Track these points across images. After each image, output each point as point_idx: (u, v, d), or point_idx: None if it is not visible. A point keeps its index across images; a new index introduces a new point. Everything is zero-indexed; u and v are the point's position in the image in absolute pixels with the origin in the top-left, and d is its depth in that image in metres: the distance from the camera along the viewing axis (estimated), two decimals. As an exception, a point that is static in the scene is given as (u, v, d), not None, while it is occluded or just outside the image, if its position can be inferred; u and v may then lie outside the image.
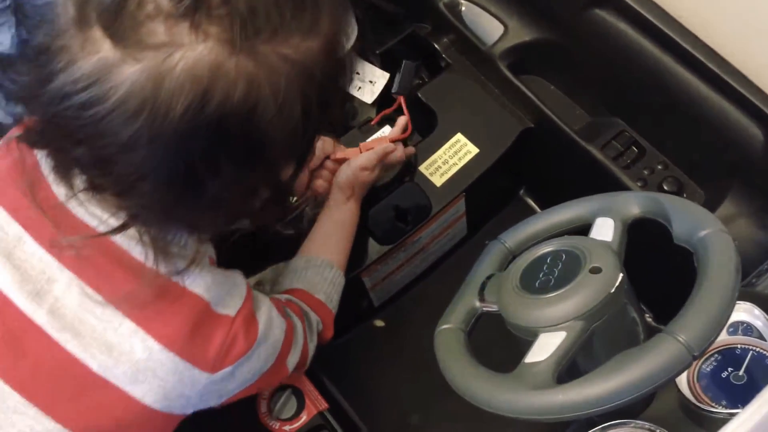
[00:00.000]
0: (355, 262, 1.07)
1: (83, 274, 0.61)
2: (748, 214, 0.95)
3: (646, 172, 1.05)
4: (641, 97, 1.05)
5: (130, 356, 0.61)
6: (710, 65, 0.92)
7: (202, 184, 0.54)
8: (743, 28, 0.90)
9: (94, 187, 0.58)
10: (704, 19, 0.92)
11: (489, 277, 0.79)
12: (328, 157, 1.02)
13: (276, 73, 0.53)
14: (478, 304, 0.78)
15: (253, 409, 0.96)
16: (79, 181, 0.58)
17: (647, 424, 0.70)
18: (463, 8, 1.21)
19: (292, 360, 0.79)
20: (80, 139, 0.53)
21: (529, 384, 0.63)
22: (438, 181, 1.11)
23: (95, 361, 0.61)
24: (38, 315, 0.61)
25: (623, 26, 1.00)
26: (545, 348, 0.66)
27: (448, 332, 0.76)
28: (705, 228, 0.68)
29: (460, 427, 1.12)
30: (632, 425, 0.70)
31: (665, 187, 1.03)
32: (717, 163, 0.99)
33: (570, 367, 0.66)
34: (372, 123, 1.17)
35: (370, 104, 1.25)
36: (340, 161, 1.02)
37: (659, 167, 1.05)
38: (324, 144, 1.02)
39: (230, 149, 0.53)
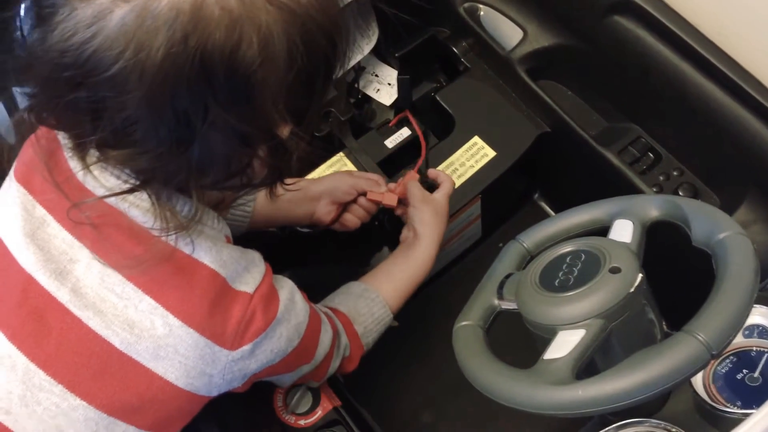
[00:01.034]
0: (370, 265, 1.09)
1: (102, 252, 0.63)
2: (763, 221, 0.96)
3: (661, 178, 1.06)
4: (658, 104, 1.06)
5: (152, 333, 0.63)
6: (728, 72, 0.93)
7: (191, 129, 0.55)
8: (761, 36, 0.91)
9: (99, 148, 0.59)
10: (722, 27, 0.94)
11: (507, 276, 0.80)
12: (364, 195, 1.02)
13: (260, 14, 0.54)
14: (496, 301, 0.79)
15: (269, 403, 0.97)
16: (91, 154, 0.60)
17: (663, 423, 0.71)
18: (482, 13, 1.22)
19: (320, 352, 0.80)
20: (78, 83, 0.54)
21: (549, 379, 0.64)
22: (455, 182, 1.12)
23: (118, 338, 0.62)
24: (61, 293, 0.63)
25: (642, 33, 1.01)
26: (564, 345, 0.67)
27: (467, 329, 0.77)
28: (724, 231, 0.69)
29: (472, 426, 1.13)
30: (648, 424, 0.71)
31: (681, 193, 1.04)
32: (733, 169, 1.00)
33: (587, 366, 0.67)
34: (390, 125, 1.18)
35: (388, 106, 1.26)
36: (376, 202, 1.02)
37: (675, 173, 1.06)
38: (359, 181, 1.02)
39: (215, 91, 0.54)
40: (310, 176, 1.13)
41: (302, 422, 0.95)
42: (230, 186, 0.64)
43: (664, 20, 0.97)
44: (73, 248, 0.63)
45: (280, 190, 0.71)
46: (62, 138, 0.64)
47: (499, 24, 1.20)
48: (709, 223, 0.71)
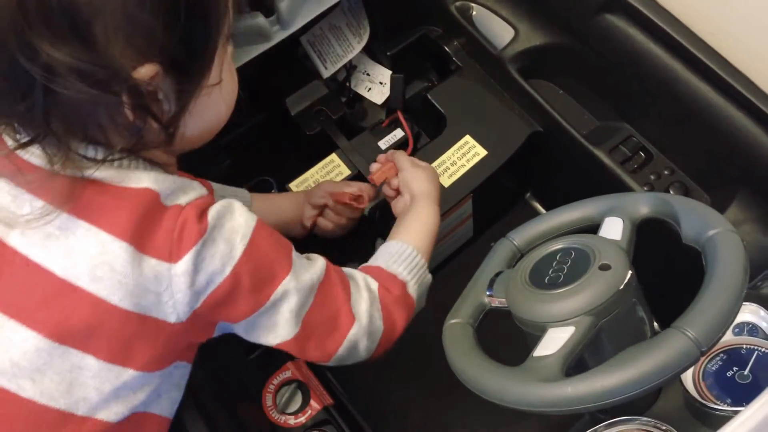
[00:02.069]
0: (361, 260, 1.08)
1: (38, 192, 0.63)
2: (753, 220, 0.96)
3: (652, 177, 1.06)
4: (649, 103, 1.06)
5: (86, 253, 0.62)
6: (719, 72, 0.93)
7: (28, 77, 0.54)
8: (753, 36, 0.91)
9: None
10: (714, 25, 0.94)
11: (498, 274, 0.80)
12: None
13: None
14: (486, 299, 0.78)
15: (259, 403, 0.96)
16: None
17: (653, 421, 0.70)
18: (475, 12, 1.22)
19: (305, 276, 0.73)
20: None
21: (538, 377, 0.64)
22: (446, 182, 1.12)
23: (57, 265, 0.63)
24: (12, 238, 0.64)
25: (633, 32, 1.01)
26: (554, 342, 0.66)
27: (457, 327, 0.77)
28: (714, 228, 0.69)
29: (462, 426, 1.12)
30: (638, 422, 0.71)
31: (672, 192, 1.04)
32: (724, 169, 1.00)
33: (578, 364, 0.67)
34: (383, 125, 1.18)
35: (380, 105, 1.26)
36: (341, 203, 1.02)
37: (666, 172, 1.06)
38: (333, 186, 1.03)
39: (38, 29, 0.52)
40: (302, 177, 1.13)
41: (292, 421, 0.95)
42: (117, 140, 0.62)
43: (655, 19, 0.97)
44: (17, 198, 0.64)
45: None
46: None
47: (490, 23, 1.20)
48: (699, 220, 0.71)
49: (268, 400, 0.96)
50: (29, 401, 0.64)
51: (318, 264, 0.77)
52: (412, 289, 0.85)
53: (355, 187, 1.02)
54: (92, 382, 0.65)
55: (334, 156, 1.15)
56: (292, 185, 1.13)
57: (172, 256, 0.63)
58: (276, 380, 0.98)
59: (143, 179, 0.64)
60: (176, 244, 0.63)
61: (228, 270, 0.66)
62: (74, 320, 0.63)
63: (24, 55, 0.53)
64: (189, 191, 0.67)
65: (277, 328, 0.73)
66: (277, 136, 1.28)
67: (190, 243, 0.64)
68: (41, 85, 0.55)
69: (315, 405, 0.95)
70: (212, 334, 0.74)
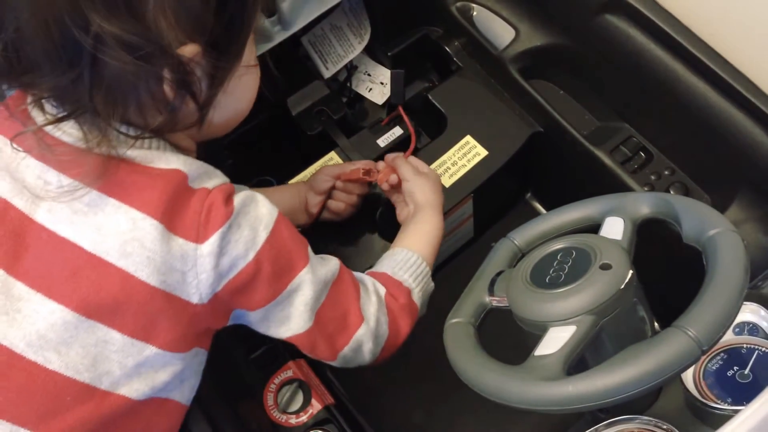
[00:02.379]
0: (365, 261, 1.08)
1: (66, 170, 0.64)
2: (754, 219, 0.96)
3: (653, 177, 1.06)
4: (650, 103, 1.06)
5: (116, 229, 0.63)
6: (719, 72, 0.93)
7: (78, 45, 0.56)
8: (753, 36, 0.91)
9: (12, 75, 0.60)
10: (714, 26, 0.94)
11: (498, 274, 0.80)
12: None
13: None
14: (487, 299, 0.79)
15: (260, 402, 0.97)
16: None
17: (654, 420, 0.71)
18: (475, 12, 1.22)
19: (321, 271, 0.76)
20: None
21: (540, 376, 0.64)
22: (447, 182, 1.12)
23: (86, 240, 0.64)
24: (39, 214, 0.65)
25: (634, 32, 1.01)
26: (555, 341, 0.67)
27: (458, 326, 0.77)
28: (714, 227, 0.69)
29: (462, 426, 1.13)
30: (638, 421, 0.71)
31: (672, 192, 1.04)
32: (724, 169, 1.00)
33: (578, 363, 0.67)
34: (382, 123, 1.18)
35: (381, 106, 1.26)
36: (353, 180, 1.04)
37: (666, 172, 1.06)
38: (333, 168, 1.05)
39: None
40: (302, 174, 1.13)
41: (293, 420, 0.95)
42: (153, 118, 0.64)
43: (655, 19, 0.97)
44: (44, 174, 0.65)
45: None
46: None
47: (491, 23, 1.20)
48: (700, 220, 0.71)
49: (270, 399, 0.97)
50: (55, 373, 0.65)
51: (332, 262, 0.79)
52: (417, 297, 0.87)
53: (360, 164, 1.04)
54: (116, 357, 0.66)
55: (333, 153, 1.16)
56: (291, 182, 1.14)
57: (199, 237, 0.65)
58: (277, 379, 0.98)
59: (172, 161, 0.66)
60: (203, 226, 0.65)
61: (251, 256, 0.68)
62: (102, 294, 0.64)
63: (76, 25, 0.55)
64: (213, 177, 0.69)
65: (290, 321, 0.75)
66: (277, 136, 1.28)
67: (216, 225, 0.65)
68: (90, 55, 0.56)
69: (316, 404, 0.95)
70: (227, 322, 0.75)
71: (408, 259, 0.88)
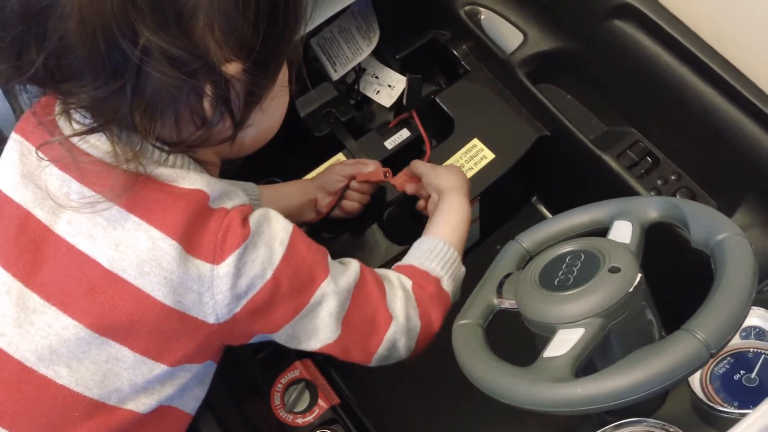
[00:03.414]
0: (370, 261, 1.09)
1: (90, 183, 0.65)
2: (760, 225, 0.96)
3: (659, 182, 1.07)
4: (657, 108, 1.07)
5: (135, 248, 0.64)
6: (726, 77, 0.94)
7: (124, 56, 0.56)
8: (760, 41, 0.92)
9: (50, 82, 0.61)
10: (721, 32, 0.94)
11: (507, 276, 0.81)
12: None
13: None
14: (496, 300, 0.79)
15: (267, 402, 0.97)
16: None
17: (661, 423, 0.71)
18: (483, 16, 1.23)
19: (342, 281, 0.75)
20: (22, 15, 0.57)
21: (548, 377, 0.65)
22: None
23: (104, 257, 0.64)
24: (59, 226, 0.66)
25: (641, 37, 1.02)
26: (564, 343, 0.67)
27: (467, 327, 0.77)
28: (723, 232, 0.69)
29: (468, 427, 1.13)
30: (645, 424, 0.72)
31: (678, 197, 1.05)
32: (730, 174, 1.00)
33: (586, 366, 0.68)
34: (390, 126, 1.18)
35: (388, 108, 1.27)
36: (372, 182, 1.05)
37: (673, 177, 1.07)
38: (346, 168, 1.05)
39: (142, 12, 0.55)
40: (309, 176, 1.14)
41: (300, 420, 0.95)
42: (188, 131, 0.64)
43: (663, 25, 0.98)
44: (66, 184, 0.65)
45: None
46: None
47: (499, 27, 1.21)
48: (708, 225, 0.71)
49: (276, 399, 0.97)
50: (64, 388, 0.65)
51: (353, 267, 0.78)
52: (447, 284, 0.86)
53: (371, 164, 1.05)
54: (126, 374, 0.67)
55: (340, 155, 1.16)
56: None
57: (216, 258, 0.65)
58: (284, 379, 0.98)
59: (196, 180, 0.66)
60: (219, 246, 0.65)
61: (269, 274, 0.68)
62: (117, 312, 0.64)
63: (124, 36, 0.55)
64: (234, 197, 0.69)
65: (318, 333, 0.75)
66: (285, 138, 1.29)
67: (233, 246, 0.65)
68: (135, 67, 0.57)
69: (323, 404, 0.96)
70: (248, 341, 0.75)
71: (434, 248, 0.88)
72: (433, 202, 0.98)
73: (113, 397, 0.67)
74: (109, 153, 0.63)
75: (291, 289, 0.70)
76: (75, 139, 0.64)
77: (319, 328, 0.75)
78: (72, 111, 0.63)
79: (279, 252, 0.69)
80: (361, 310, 0.77)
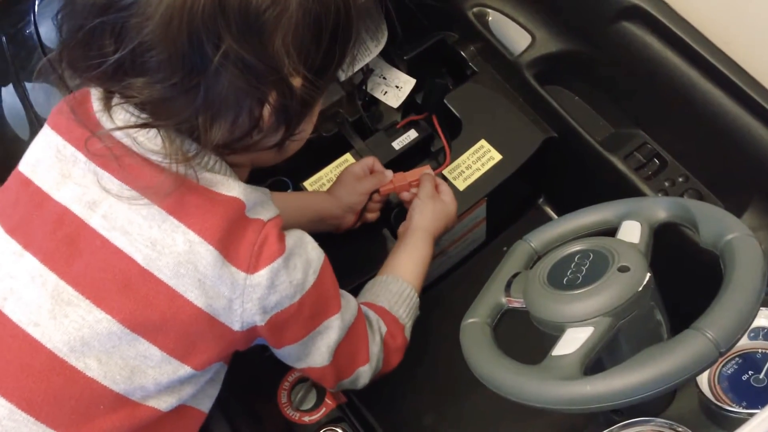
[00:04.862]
0: (375, 261, 1.09)
1: (130, 181, 0.66)
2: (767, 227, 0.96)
3: (667, 184, 1.07)
4: (665, 110, 1.07)
5: (173, 249, 0.65)
6: (735, 80, 0.94)
7: (204, 58, 0.58)
8: (769, 44, 0.92)
9: (117, 76, 0.61)
10: (730, 34, 0.95)
11: (515, 275, 0.81)
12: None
13: None
14: (504, 299, 0.79)
15: (274, 400, 0.97)
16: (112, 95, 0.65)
17: (668, 422, 0.71)
18: (491, 18, 1.23)
19: (347, 316, 0.79)
20: (103, 7, 0.59)
21: (558, 375, 0.65)
22: (461, 185, 1.13)
23: (140, 255, 0.65)
24: (93, 219, 0.67)
25: (650, 39, 1.02)
26: (573, 342, 0.67)
27: (475, 326, 0.78)
28: (732, 232, 0.69)
29: (474, 426, 1.13)
30: (653, 423, 0.72)
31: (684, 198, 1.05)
32: (738, 176, 1.00)
33: (594, 366, 0.68)
34: (398, 126, 1.19)
35: (395, 108, 1.27)
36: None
37: (680, 179, 1.07)
38: (366, 185, 1.06)
39: (229, 20, 0.57)
40: (316, 175, 1.14)
41: (306, 419, 0.95)
42: (240, 136, 0.65)
43: (672, 27, 0.98)
44: (103, 180, 0.66)
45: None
46: (93, 91, 0.68)
47: (507, 29, 1.21)
48: (718, 225, 0.72)
49: (283, 397, 0.97)
50: (92, 380, 0.66)
51: (352, 303, 0.82)
52: (408, 331, 0.92)
53: (389, 174, 1.07)
54: (152, 372, 0.68)
55: (348, 155, 1.16)
56: (306, 183, 1.14)
57: (250, 267, 0.67)
58: (291, 378, 0.98)
59: (233, 188, 0.67)
60: (255, 257, 0.67)
61: (297, 297, 0.71)
62: (150, 310, 0.65)
63: (209, 40, 0.58)
64: (267, 207, 0.70)
65: (310, 357, 0.79)
66: (293, 138, 1.29)
67: (268, 259, 0.67)
68: (214, 70, 0.59)
69: (329, 402, 0.96)
70: (250, 345, 0.77)
71: (402, 292, 0.92)
72: (404, 228, 1.02)
73: (137, 394, 0.68)
74: (158, 152, 0.64)
75: (309, 315, 0.74)
76: (119, 136, 0.65)
77: (313, 354, 0.78)
78: (118, 108, 0.64)
79: (311, 279, 0.72)
80: (350, 347, 0.81)
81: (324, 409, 0.96)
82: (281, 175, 1.19)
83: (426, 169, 1.08)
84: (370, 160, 1.09)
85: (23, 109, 1.02)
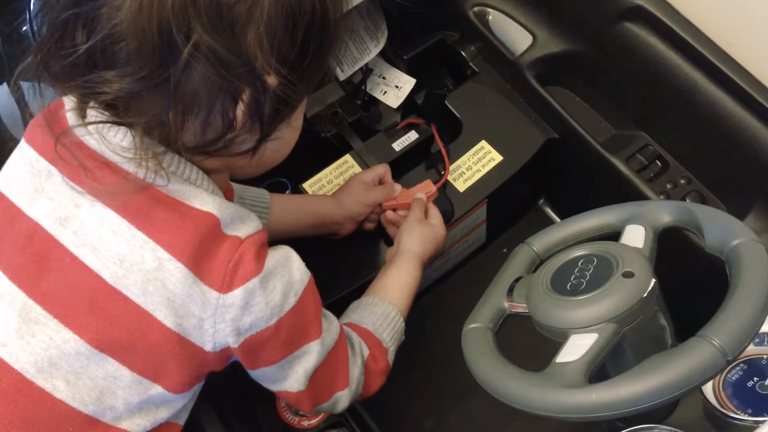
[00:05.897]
0: (375, 263, 1.08)
1: (100, 195, 0.64)
2: (771, 230, 0.96)
3: (669, 186, 1.06)
4: (667, 111, 1.06)
5: (141, 266, 0.63)
6: (738, 81, 0.93)
7: (174, 50, 0.56)
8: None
9: (88, 69, 0.60)
10: (733, 35, 0.94)
11: (517, 280, 0.80)
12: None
13: None
14: (506, 304, 0.78)
15: (273, 404, 0.96)
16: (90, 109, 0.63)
17: (673, 429, 0.70)
18: (491, 17, 1.22)
19: (327, 339, 0.77)
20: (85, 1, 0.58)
21: (561, 383, 0.64)
22: (461, 186, 1.12)
23: (108, 272, 0.63)
24: (64, 236, 0.65)
25: (652, 40, 1.01)
26: (577, 349, 0.66)
27: (477, 331, 0.77)
28: (738, 237, 0.69)
29: (474, 432, 1.12)
30: (657, 430, 0.71)
31: (688, 201, 1.04)
32: (741, 178, 1.00)
33: (598, 372, 0.67)
34: (398, 128, 1.18)
35: (395, 109, 1.26)
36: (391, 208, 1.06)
37: (682, 181, 1.06)
38: (371, 196, 1.05)
39: (200, 12, 0.56)
40: (316, 177, 1.13)
41: (305, 423, 0.95)
42: (213, 138, 0.63)
43: (675, 27, 0.97)
44: (75, 194, 0.65)
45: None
46: (66, 100, 0.66)
47: (508, 29, 1.20)
48: (723, 230, 0.71)
49: (282, 401, 0.96)
50: (60, 402, 0.64)
51: (335, 325, 0.80)
52: (391, 356, 0.89)
53: (399, 188, 1.07)
54: (122, 393, 0.66)
55: (348, 157, 1.15)
56: (306, 185, 1.13)
57: (224, 287, 0.64)
58: (290, 381, 0.97)
59: (208, 202, 0.65)
60: (229, 276, 0.64)
61: (274, 320, 0.68)
62: (118, 330, 0.64)
63: (180, 30, 0.56)
64: (247, 222, 0.68)
65: (285, 381, 0.76)
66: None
67: (243, 278, 0.65)
68: (183, 61, 0.57)
69: (328, 407, 0.95)
70: (226, 365, 0.75)
71: (387, 315, 0.90)
72: (391, 252, 1.01)
73: (108, 415, 0.67)
74: (128, 149, 0.62)
75: (286, 339, 0.71)
76: (88, 140, 0.64)
77: (290, 378, 0.75)
78: (91, 111, 0.63)
79: (291, 302, 0.70)
80: (328, 371, 0.78)
81: (323, 414, 0.95)
82: (280, 176, 1.18)
83: (428, 184, 1.08)
84: (381, 170, 1.08)
85: (18, 110, 1.01)
